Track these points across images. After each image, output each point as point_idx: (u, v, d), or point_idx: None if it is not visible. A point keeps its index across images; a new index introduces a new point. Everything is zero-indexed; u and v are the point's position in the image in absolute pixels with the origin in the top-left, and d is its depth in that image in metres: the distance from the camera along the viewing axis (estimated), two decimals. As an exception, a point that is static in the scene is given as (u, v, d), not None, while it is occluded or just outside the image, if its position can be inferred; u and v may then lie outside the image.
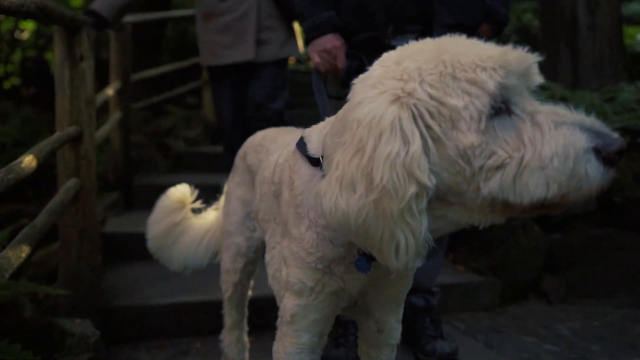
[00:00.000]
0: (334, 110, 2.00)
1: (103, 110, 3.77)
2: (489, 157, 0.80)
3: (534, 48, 0.91)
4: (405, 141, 0.80)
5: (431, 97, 0.81)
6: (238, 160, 1.71)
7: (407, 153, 0.80)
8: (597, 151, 0.79)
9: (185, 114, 5.63)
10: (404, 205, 0.80)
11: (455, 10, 1.86)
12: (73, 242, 2.15)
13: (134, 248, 2.97)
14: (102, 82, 3.88)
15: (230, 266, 1.69)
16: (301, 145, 1.07)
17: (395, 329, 1.25)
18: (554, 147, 0.79)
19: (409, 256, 0.84)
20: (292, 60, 13.75)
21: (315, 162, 1.03)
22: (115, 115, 3.61)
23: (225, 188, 1.80)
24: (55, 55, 2.08)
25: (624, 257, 2.81)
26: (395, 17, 1.88)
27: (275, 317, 2.20)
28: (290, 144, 1.15)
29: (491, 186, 0.81)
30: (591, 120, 0.82)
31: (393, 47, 1.98)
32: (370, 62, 1.95)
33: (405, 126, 0.80)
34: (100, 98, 3.17)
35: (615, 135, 0.80)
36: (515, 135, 0.81)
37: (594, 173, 0.78)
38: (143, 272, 2.74)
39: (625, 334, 2.44)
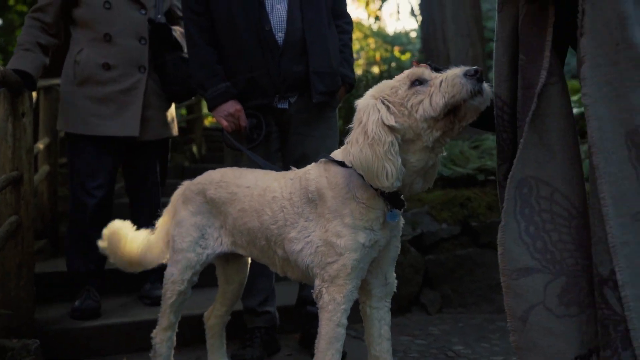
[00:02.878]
0: (235, 160, 2.50)
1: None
2: (413, 99, 1.52)
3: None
4: (379, 112, 1.54)
5: (394, 88, 1.59)
6: (192, 195, 2.09)
7: (380, 116, 1.53)
8: (464, 74, 1.46)
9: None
10: (386, 148, 1.51)
11: (324, 81, 2.48)
12: (12, 272, 2.47)
13: (59, 287, 3.22)
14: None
15: (178, 277, 2.06)
16: (332, 161, 1.74)
17: (394, 281, 1.86)
18: (441, 77, 1.49)
19: (393, 179, 1.53)
20: (212, 119, 14.21)
21: (343, 165, 1.70)
22: (43, 169, 3.93)
23: (168, 215, 2.18)
24: (0, 112, 2.47)
25: (485, 272, 3.43)
26: (280, 88, 2.44)
27: (194, 333, 2.56)
28: (309, 169, 1.83)
29: (419, 111, 1.51)
30: (468, 67, 1.48)
31: (279, 109, 2.54)
32: (265, 120, 2.51)
33: (378, 105, 1.55)
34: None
35: (475, 68, 1.47)
36: (427, 87, 1.52)
37: (464, 81, 1.45)
38: (69, 306, 3.01)
39: (482, 330, 3.02)
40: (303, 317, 2.73)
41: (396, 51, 18.54)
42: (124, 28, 2.83)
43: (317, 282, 1.73)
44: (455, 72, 1.49)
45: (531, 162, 1.45)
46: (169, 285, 2.10)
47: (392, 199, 1.67)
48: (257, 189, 1.92)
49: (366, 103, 1.59)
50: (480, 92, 1.46)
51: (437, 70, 1.59)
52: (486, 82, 1.50)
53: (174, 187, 3.20)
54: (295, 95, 2.49)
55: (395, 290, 1.88)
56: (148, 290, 3.08)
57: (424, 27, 5.71)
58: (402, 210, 1.72)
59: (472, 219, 3.44)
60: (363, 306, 1.88)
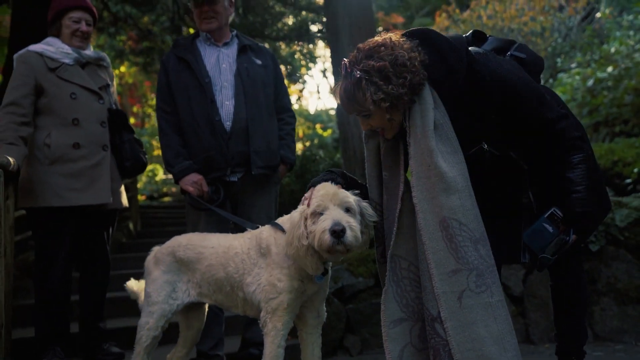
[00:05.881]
0: (194, 223, 3.08)
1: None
2: (310, 227, 2.04)
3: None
4: (300, 229, 2.09)
5: (307, 211, 2.10)
6: (163, 256, 2.60)
7: (300, 232, 2.08)
8: (329, 231, 1.99)
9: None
10: (303, 254, 2.10)
11: (262, 158, 3.20)
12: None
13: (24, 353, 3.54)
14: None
15: (153, 325, 2.52)
16: (278, 226, 2.33)
17: (324, 314, 2.46)
18: (318, 226, 2.03)
19: (314, 271, 2.15)
20: (144, 197, 14.50)
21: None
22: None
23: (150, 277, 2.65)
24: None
25: (396, 316, 4.10)
26: (230, 164, 3.15)
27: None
28: (262, 229, 2.44)
29: (310, 240, 2.05)
30: (339, 217, 2.01)
31: (230, 182, 3.19)
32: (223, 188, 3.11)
33: (300, 223, 2.09)
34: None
35: (340, 226, 1.98)
36: (318, 221, 2.04)
37: (326, 238, 2.00)
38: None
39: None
40: (246, 358, 3.26)
41: (318, 128, 19.67)
42: (88, 114, 3.33)
43: (262, 313, 2.32)
44: (325, 226, 2.01)
45: (396, 244, 2.16)
46: (145, 332, 2.54)
47: None
48: (221, 248, 2.49)
49: (296, 217, 2.16)
50: (339, 243, 1.99)
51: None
52: None
53: (112, 262, 3.61)
54: (242, 171, 3.19)
55: (324, 321, 2.48)
56: (107, 348, 3.49)
57: (338, 113, 6.64)
58: (327, 274, 2.32)
59: (383, 272, 4.15)
60: (300, 333, 2.47)
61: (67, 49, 3.38)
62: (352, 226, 2.04)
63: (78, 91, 3.33)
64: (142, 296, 2.76)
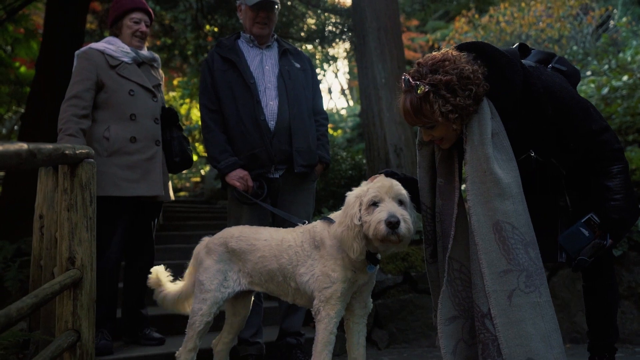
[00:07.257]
0: (236, 217, 3.25)
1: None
2: (365, 217, 2.21)
3: (363, 179, 2.41)
4: (354, 209, 2.25)
5: (362, 197, 2.26)
6: (215, 246, 2.74)
7: (354, 212, 2.24)
8: (385, 221, 2.15)
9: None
10: (354, 234, 2.26)
11: (304, 157, 3.36)
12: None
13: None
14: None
15: (206, 311, 2.66)
16: (330, 220, 2.48)
17: (370, 305, 2.61)
18: (374, 217, 2.20)
19: (357, 254, 2.29)
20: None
21: None
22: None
23: (194, 267, 2.84)
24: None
25: (423, 313, 4.25)
26: (274, 162, 3.31)
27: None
28: (315, 224, 2.60)
29: (365, 229, 2.22)
30: (394, 210, 2.18)
31: (272, 179, 3.38)
32: (265, 184, 3.34)
33: (355, 204, 2.27)
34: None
35: (395, 218, 2.15)
36: (373, 212, 2.20)
37: (383, 227, 2.16)
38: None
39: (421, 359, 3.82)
40: (283, 347, 3.43)
41: (330, 128, 19.74)
42: (144, 111, 3.53)
43: (315, 302, 2.47)
44: (381, 217, 2.18)
45: (453, 248, 2.31)
46: (198, 317, 2.68)
47: (370, 258, 2.40)
48: (274, 241, 2.65)
49: (351, 199, 2.34)
50: (393, 234, 2.17)
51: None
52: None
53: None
54: (284, 168, 3.35)
55: (370, 311, 2.63)
56: (148, 333, 3.67)
57: (363, 115, 6.79)
58: (377, 265, 2.47)
59: (411, 270, 4.30)
60: (347, 322, 2.61)
61: (126, 48, 3.57)
62: (406, 218, 2.23)
63: (136, 88, 3.51)
64: (166, 286, 2.94)
